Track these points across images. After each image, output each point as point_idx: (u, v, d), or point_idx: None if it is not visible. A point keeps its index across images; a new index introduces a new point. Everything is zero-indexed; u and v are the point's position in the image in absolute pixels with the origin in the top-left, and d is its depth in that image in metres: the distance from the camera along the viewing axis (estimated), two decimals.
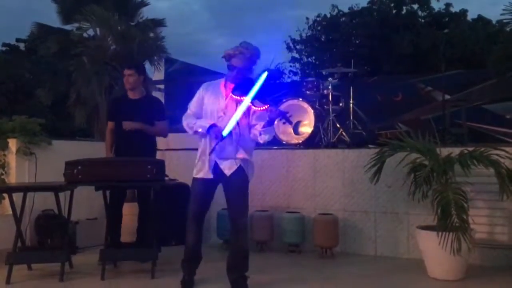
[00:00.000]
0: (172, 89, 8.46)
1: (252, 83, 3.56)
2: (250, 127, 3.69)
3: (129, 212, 4.98)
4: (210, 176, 3.70)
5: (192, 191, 3.84)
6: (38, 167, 5.11)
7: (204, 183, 3.73)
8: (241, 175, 3.71)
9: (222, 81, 3.77)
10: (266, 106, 3.54)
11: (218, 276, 3.90)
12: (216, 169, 3.69)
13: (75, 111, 8.22)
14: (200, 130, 3.66)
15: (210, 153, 3.64)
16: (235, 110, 3.62)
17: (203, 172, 3.73)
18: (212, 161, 3.68)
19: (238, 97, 3.60)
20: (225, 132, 3.57)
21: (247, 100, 3.56)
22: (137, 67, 4.91)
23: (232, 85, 3.67)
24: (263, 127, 3.59)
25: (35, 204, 4.79)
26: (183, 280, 3.85)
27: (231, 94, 3.65)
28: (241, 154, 3.67)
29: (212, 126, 3.61)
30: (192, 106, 3.80)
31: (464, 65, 13.67)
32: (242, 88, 3.59)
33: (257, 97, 3.54)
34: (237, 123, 3.61)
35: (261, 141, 3.66)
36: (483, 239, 4.36)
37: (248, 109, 3.62)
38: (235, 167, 3.68)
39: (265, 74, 3.55)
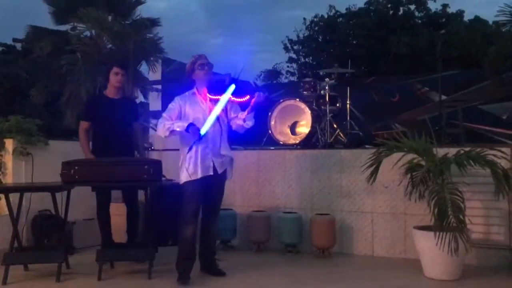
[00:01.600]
0: (170, 89, 8.46)
1: (221, 81, 3.98)
2: (229, 121, 4.09)
3: (119, 212, 4.96)
4: (211, 173, 3.97)
5: (188, 192, 3.97)
6: (35, 167, 5.10)
7: (202, 181, 3.96)
8: (225, 172, 4.13)
9: (193, 91, 4.09)
10: (248, 96, 3.93)
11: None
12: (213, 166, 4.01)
13: (66, 110, 8.18)
14: (178, 129, 3.88)
15: (188, 151, 3.90)
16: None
17: (202, 171, 3.94)
18: (210, 159, 3.97)
19: (215, 97, 3.97)
20: (203, 131, 3.82)
21: (224, 98, 3.90)
22: (128, 68, 5.01)
23: (204, 89, 4.03)
24: (248, 113, 3.97)
25: (32, 204, 4.76)
26: (181, 277, 3.92)
27: (208, 95, 4.00)
28: (224, 151, 4.03)
29: (190, 125, 3.85)
30: (172, 115, 4.00)
31: (461, 65, 13.68)
32: (215, 88, 4.00)
33: (234, 92, 3.95)
34: (219, 123, 3.96)
35: (247, 127, 4.04)
36: (479, 239, 4.38)
37: (226, 107, 3.99)
38: (225, 166, 4.07)
39: (232, 87, 3.93)
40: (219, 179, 4.08)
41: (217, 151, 4.00)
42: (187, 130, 3.83)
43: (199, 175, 3.94)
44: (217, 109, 3.92)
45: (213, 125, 3.93)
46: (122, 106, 4.71)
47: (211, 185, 4.03)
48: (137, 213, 4.73)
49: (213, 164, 3.99)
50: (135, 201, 4.67)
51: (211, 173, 3.98)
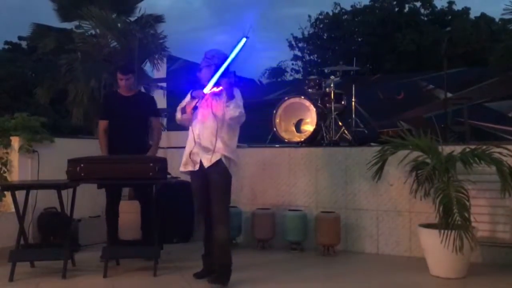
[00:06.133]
0: (174, 87, 8.47)
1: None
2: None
3: (130, 210, 4.99)
4: (196, 168, 3.77)
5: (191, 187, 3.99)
6: (41, 165, 5.12)
7: (192, 175, 3.88)
8: (221, 171, 3.69)
9: None
10: (221, 88, 3.64)
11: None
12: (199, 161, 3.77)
13: (73, 109, 8.20)
14: (185, 104, 3.84)
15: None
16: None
17: (185, 165, 3.85)
18: (194, 153, 3.76)
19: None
20: (206, 90, 3.68)
21: (220, 70, 3.64)
22: (132, 70, 4.96)
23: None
24: (226, 104, 3.64)
25: (38, 202, 4.80)
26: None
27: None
28: (220, 147, 3.68)
29: (192, 91, 3.83)
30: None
31: (467, 63, 13.63)
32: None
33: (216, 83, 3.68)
34: (214, 115, 3.70)
35: (227, 117, 3.64)
36: (485, 237, 4.36)
37: (214, 99, 3.73)
38: (214, 160, 3.67)
39: (243, 41, 3.59)
40: (208, 177, 3.70)
41: (206, 144, 3.69)
42: (192, 96, 3.81)
43: (185, 169, 3.86)
44: (218, 73, 3.65)
45: (201, 116, 3.75)
46: (136, 102, 4.73)
47: (206, 182, 3.75)
48: (151, 210, 4.64)
49: (200, 158, 3.73)
50: (149, 199, 4.62)
51: (196, 168, 3.75)
